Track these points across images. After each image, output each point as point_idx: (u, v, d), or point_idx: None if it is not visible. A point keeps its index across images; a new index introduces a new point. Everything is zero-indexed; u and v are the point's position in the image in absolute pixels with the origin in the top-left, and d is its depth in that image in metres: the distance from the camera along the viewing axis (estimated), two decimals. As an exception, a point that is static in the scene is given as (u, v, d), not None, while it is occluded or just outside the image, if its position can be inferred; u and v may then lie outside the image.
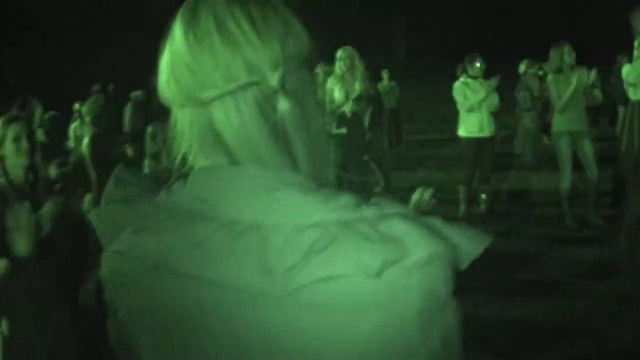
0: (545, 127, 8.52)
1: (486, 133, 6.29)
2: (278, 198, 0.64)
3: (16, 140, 2.84)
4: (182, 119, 0.70)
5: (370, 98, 6.40)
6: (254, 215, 0.64)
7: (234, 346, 0.64)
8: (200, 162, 0.71)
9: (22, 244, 2.07)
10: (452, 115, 7.02)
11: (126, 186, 0.75)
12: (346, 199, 0.64)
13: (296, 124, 0.67)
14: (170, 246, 0.65)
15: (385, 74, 10.54)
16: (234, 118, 0.66)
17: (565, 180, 5.82)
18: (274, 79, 0.66)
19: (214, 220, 0.65)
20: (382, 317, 0.60)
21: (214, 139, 0.68)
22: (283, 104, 0.66)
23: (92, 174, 4.06)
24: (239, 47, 0.66)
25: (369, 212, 0.63)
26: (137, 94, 9.96)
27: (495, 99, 6.28)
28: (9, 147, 2.78)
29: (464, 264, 0.64)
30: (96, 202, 4.11)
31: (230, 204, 0.65)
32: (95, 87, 12.75)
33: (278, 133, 0.67)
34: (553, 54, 5.72)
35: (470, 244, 0.63)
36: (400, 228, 0.61)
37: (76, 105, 8.36)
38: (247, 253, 0.62)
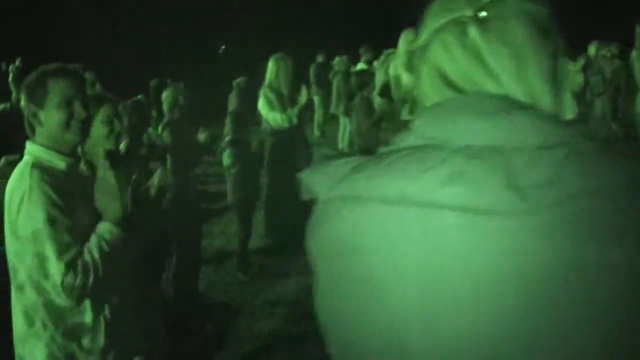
0: (615, 112, 8.17)
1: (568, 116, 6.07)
2: (514, 121, 0.61)
3: (106, 123, 2.77)
4: (419, 72, 0.73)
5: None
6: (488, 138, 0.61)
7: (479, 276, 0.57)
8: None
9: (111, 206, 1.98)
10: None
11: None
12: (583, 126, 0.56)
13: (493, 51, 0.66)
14: (397, 176, 0.62)
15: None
16: (443, 53, 0.69)
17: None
18: (469, 10, 0.68)
19: (445, 148, 0.62)
20: None
21: (440, 79, 0.70)
22: (473, 31, 0.67)
23: (169, 162, 4.04)
24: None
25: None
26: (239, 80, 9.89)
27: (579, 78, 6.07)
28: (96, 129, 2.65)
29: None
30: (173, 189, 4.09)
31: (461, 132, 0.63)
32: (153, 82, 12.96)
33: (478, 62, 0.67)
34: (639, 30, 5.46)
35: None
36: None
37: (140, 97, 8.45)
38: (490, 172, 0.57)
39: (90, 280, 1.83)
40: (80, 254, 1.84)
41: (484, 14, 0.67)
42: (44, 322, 1.91)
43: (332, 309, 0.68)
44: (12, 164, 4.36)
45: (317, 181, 0.71)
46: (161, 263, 3.95)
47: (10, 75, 9.77)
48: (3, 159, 4.40)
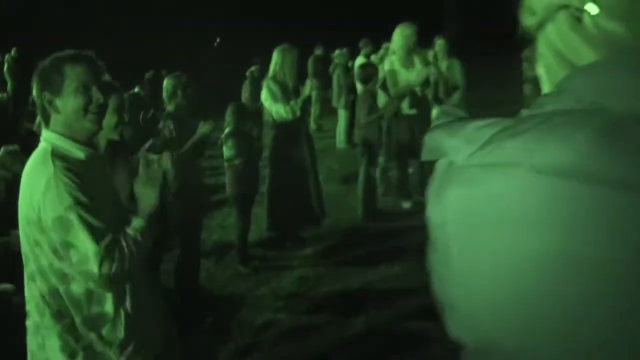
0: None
1: None
2: None
3: (115, 112, 2.73)
4: (538, 50, 0.71)
5: (435, 78, 6.21)
6: None
7: None
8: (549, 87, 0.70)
9: (150, 198, 1.95)
10: (508, 99, 6.81)
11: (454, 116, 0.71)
12: None
13: (611, 42, 0.62)
14: (564, 144, 0.55)
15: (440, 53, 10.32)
16: (557, 37, 0.67)
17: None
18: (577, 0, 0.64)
19: (612, 113, 0.56)
20: None
21: (560, 58, 0.68)
22: (588, 20, 0.63)
23: (172, 154, 3.99)
24: None
25: None
26: (252, 69, 9.70)
27: None
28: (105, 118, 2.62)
29: None
30: (174, 180, 4.05)
31: (627, 95, 0.57)
32: (148, 74, 12.84)
33: (596, 45, 0.63)
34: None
35: None
36: None
37: (136, 89, 8.41)
38: None
39: (126, 268, 1.80)
40: (116, 241, 1.80)
41: (595, 10, 0.62)
42: (60, 312, 1.87)
43: (468, 282, 0.62)
44: (11, 154, 4.33)
45: (449, 143, 0.65)
46: (161, 256, 3.92)
47: (6, 65, 9.68)
48: (2, 149, 4.35)
